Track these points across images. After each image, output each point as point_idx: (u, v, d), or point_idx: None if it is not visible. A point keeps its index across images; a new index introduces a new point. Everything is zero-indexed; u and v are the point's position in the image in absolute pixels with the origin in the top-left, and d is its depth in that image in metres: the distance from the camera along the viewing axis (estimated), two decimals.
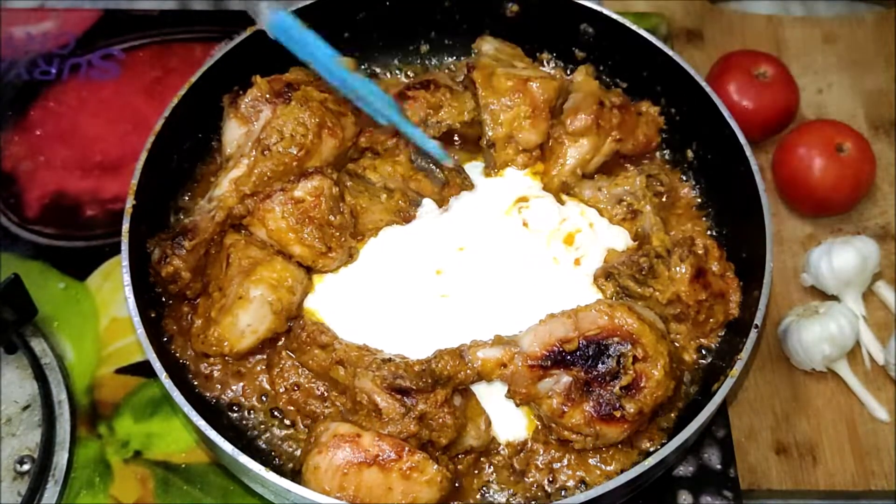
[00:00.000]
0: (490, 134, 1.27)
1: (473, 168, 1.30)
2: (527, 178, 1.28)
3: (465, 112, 1.28)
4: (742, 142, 1.21)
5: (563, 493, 1.12)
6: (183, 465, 1.22)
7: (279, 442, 1.15)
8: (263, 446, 1.15)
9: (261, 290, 1.14)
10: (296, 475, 1.08)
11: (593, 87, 1.31)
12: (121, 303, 1.31)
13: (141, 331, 1.09)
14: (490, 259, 1.20)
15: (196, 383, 1.17)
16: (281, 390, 1.16)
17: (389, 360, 1.12)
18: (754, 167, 1.20)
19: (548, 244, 1.22)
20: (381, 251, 1.22)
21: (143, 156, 1.18)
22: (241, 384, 1.18)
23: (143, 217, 1.17)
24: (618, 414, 1.08)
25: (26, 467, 1.17)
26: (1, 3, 1.61)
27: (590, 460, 1.13)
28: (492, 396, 1.14)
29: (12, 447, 1.19)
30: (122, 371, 1.28)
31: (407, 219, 1.23)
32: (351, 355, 1.13)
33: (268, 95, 1.20)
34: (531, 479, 1.13)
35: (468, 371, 1.10)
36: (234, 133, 1.21)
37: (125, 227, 1.14)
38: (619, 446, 1.13)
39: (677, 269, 1.16)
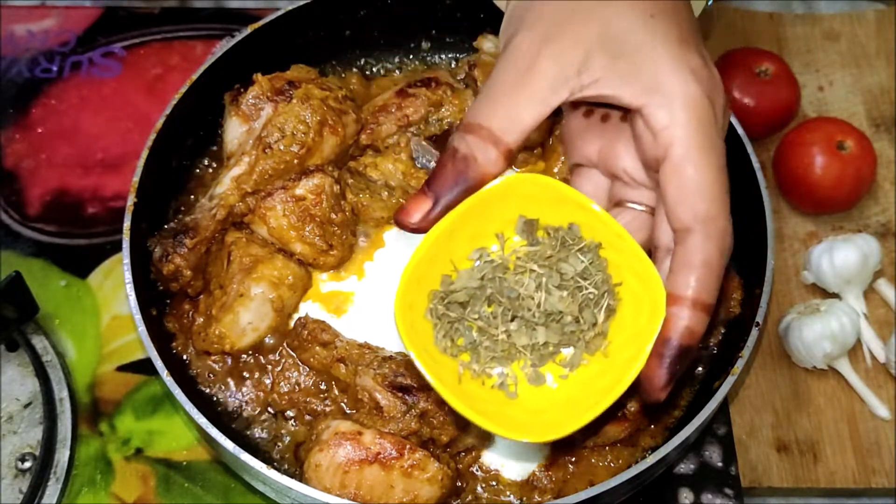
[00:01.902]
0: None
1: None
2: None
3: (466, 110, 1.28)
4: (743, 139, 1.21)
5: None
6: (184, 463, 1.22)
7: (280, 439, 1.15)
8: (264, 444, 1.15)
9: (262, 288, 1.14)
10: (297, 473, 1.08)
11: None
12: (122, 300, 1.31)
13: (142, 328, 1.09)
14: None
15: (197, 381, 1.17)
16: (282, 388, 1.16)
17: (391, 357, 1.12)
18: (755, 165, 1.19)
19: None
20: (381, 253, 1.22)
21: (145, 153, 1.18)
22: (242, 382, 1.18)
23: (144, 215, 1.17)
24: (619, 412, 1.08)
25: (27, 465, 1.17)
26: (1, 1, 1.61)
27: (591, 459, 1.13)
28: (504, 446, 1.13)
29: (13, 445, 1.19)
30: (123, 368, 1.28)
31: None
32: (352, 353, 1.13)
33: (269, 93, 1.20)
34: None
35: None
36: (235, 131, 1.21)
37: (126, 224, 1.14)
38: (620, 444, 1.13)
39: None
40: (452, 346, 0.92)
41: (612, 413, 1.06)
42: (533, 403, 0.92)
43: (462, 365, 0.92)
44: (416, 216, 0.88)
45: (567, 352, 0.93)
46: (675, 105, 0.85)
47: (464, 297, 0.91)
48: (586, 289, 0.90)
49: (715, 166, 0.86)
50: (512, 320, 0.91)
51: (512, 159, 0.89)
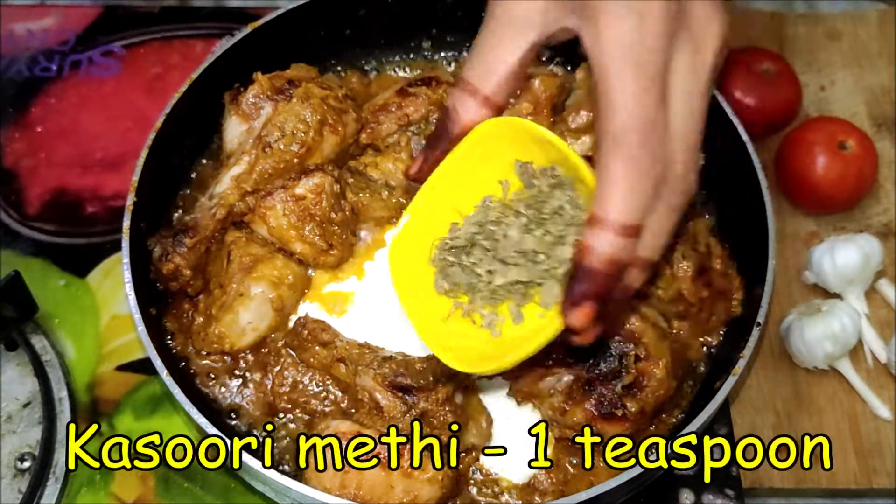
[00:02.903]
0: None
1: None
2: None
3: None
4: (745, 139, 1.21)
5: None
6: None
7: (280, 439, 1.15)
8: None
9: (262, 288, 1.14)
10: (297, 473, 1.08)
11: None
12: (121, 300, 1.31)
13: (142, 328, 1.08)
14: None
15: (196, 381, 1.17)
16: (281, 388, 1.16)
17: (390, 357, 1.12)
18: (757, 164, 1.19)
19: None
20: (382, 252, 1.22)
21: (144, 153, 1.18)
22: (242, 382, 1.17)
23: (143, 214, 1.16)
24: (619, 413, 1.08)
25: (27, 464, 1.17)
26: (1, 0, 1.61)
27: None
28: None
29: (13, 444, 1.18)
30: (122, 368, 1.28)
31: None
32: (352, 353, 1.13)
33: (269, 92, 1.20)
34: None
35: None
36: (235, 130, 1.21)
37: (126, 224, 1.13)
38: (621, 444, 1.13)
39: (679, 266, 1.15)
40: (452, 289, 0.98)
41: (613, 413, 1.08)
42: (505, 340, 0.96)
43: (456, 305, 0.98)
44: (413, 168, 0.99)
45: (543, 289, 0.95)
46: (600, 24, 0.87)
47: (463, 242, 0.97)
48: (557, 226, 0.93)
49: (636, 83, 0.85)
50: (501, 262, 0.95)
51: (494, 108, 0.95)
